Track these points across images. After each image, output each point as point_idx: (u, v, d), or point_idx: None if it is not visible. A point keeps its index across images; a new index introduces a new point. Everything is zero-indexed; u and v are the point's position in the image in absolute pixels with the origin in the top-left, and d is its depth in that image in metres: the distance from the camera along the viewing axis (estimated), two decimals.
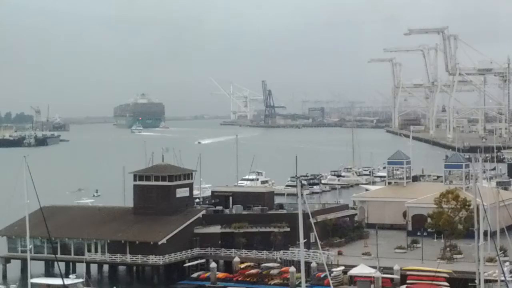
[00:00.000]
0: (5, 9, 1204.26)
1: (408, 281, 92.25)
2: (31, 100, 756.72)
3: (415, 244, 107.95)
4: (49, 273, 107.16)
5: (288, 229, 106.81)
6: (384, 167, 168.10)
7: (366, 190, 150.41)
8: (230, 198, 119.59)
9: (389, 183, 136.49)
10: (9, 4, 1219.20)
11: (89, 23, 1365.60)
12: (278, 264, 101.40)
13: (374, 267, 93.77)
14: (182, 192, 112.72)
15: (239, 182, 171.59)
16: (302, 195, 70.51)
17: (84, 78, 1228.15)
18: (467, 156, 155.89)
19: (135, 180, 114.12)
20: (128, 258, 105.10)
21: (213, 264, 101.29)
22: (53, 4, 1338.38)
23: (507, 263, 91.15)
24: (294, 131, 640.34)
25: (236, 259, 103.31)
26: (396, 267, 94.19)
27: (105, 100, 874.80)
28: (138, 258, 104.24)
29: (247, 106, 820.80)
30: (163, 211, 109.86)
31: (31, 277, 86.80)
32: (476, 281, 74.55)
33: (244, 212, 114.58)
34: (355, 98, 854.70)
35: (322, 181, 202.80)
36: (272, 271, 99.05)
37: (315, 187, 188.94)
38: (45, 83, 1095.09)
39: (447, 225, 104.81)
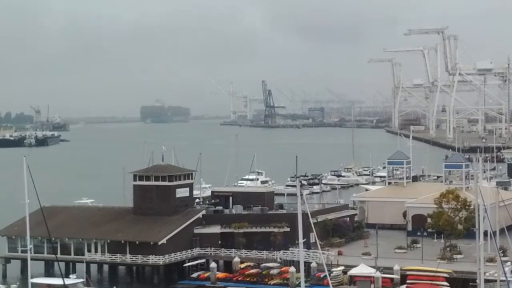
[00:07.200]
0: (5, 9, 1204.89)
1: (408, 281, 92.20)
2: (31, 100, 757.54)
3: (415, 244, 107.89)
4: (49, 273, 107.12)
5: (288, 229, 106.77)
6: (384, 167, 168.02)
7: (366, 190, 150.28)
8: (230, 198, 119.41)
9: (389, 183, 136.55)
10: (9, 3, 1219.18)
11: (89, 22, 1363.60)
12: (278, 264, 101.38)
13: (374, 267, 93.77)
14: (182, 192, 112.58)
15: (239, 182, 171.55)
16: (301, 195, 70.49)
17: (85, 78, 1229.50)
18: (467, 156, 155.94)
19: (135, 180, 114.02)
20: (128, 258, 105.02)
21: (213, 264, 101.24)
22: (53, 4, 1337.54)
23: (508, 263, 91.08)
24: (294, 131, 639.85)
25: (236, 259, 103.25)
26: (396, 267, 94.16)
27: (105, 100, 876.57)
28: (138, 258, 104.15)
29: (247, 106, 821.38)
30: (163, 211, 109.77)
31: (31, 277, 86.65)
32: (477, 281, 74.47)
33: (244, 212, 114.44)
34: (355, 98, 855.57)
35: (323, 181, 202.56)
36: (272, 271, 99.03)
37: (315, 187, 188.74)
38: (46, 83, 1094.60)
39: (447, 225, 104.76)
